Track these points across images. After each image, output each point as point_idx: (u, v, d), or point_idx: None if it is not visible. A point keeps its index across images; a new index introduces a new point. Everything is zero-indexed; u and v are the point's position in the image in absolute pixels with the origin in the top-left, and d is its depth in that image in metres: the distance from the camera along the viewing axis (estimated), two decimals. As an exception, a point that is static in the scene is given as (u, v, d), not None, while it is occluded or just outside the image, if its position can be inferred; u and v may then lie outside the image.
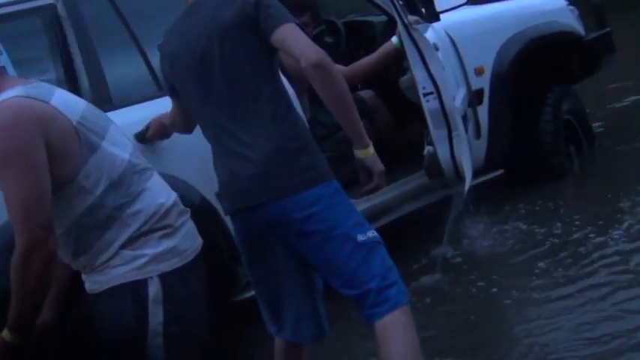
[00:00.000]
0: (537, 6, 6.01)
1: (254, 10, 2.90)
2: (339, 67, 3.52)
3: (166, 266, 2.61)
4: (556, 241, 4.85)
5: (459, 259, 4.80)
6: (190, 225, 2.74)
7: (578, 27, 6.04)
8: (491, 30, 5.57)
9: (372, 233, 2.98)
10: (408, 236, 5.03)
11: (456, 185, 4.59)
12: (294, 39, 2.85)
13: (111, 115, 2.91)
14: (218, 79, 2.94)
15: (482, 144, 5.32)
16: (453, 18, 5.33)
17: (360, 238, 2.94)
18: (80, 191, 2.55)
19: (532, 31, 5.67)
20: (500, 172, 5.51)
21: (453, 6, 5.24)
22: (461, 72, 5.19)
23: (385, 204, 4.79)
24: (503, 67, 5.44)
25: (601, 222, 4.96)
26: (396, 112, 5.44)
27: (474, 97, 5.24)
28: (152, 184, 2.66)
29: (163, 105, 3.62)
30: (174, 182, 3.91)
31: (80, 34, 4.18)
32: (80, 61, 4.17)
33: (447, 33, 5.21)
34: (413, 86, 4.39)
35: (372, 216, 4.37)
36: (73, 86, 4.11)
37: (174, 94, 3.19)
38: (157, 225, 2.62)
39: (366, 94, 5.40)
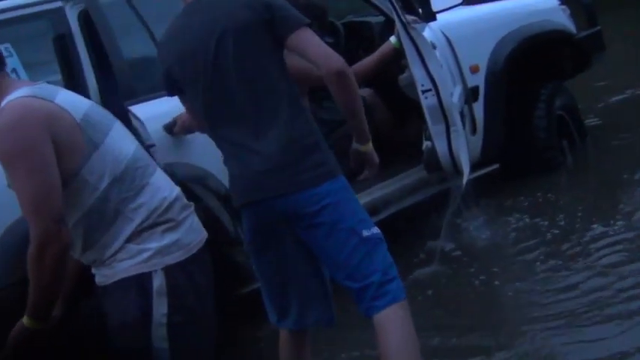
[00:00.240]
0: (530, 5, 6.02)
1: (265, 10, 2.92)
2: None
3: (171, 259, 2.63)
4: (557, 232, 4.85)
5: (458, 252, 4.79)
6: (194, 219, 2.76)
7: (569, 25, 6.06)
8: (486, 29, 5.58)
9: (375, 230, 3.02)
10: (407, 230, 5.03)
11: (454, 179, 4.61)
12: (315, 45, 2.93)
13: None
14: (232, 78, 2.94)
15: (478, 139, 5.33)
16: (449, 18, 5.33)
17: (365, 233, 2.98)
18: (85, 186, 2.57)
19: (525, 30, 5.67)
20: (495, 166, 5.53)
21: (449, 6, 5.25)
22: (457, 70, 5.19)
23: (385, 198, 4.82)
24: (498, 65, 5.44)
25: (600, 212, 4.97)
26: (394, 109, 5.45)
27: (470, 95, 5.24)
28: (155, 179, 2.68)
29: (171, 105, 3.64)
30: (200, 173, 3.96)
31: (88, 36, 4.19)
32: (88, 63, 4.17)
33: (442, 32, 5.21)
34: (412, 84, 4.40)
35: (372, 209, 4.39)
36: (81, 88, 4.12)
37: (179, 93, 3.19)
38: (160, 219, 2.64)
39: (365, 92, 5.41)
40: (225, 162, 3.08)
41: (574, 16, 6.15)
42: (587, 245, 4.60)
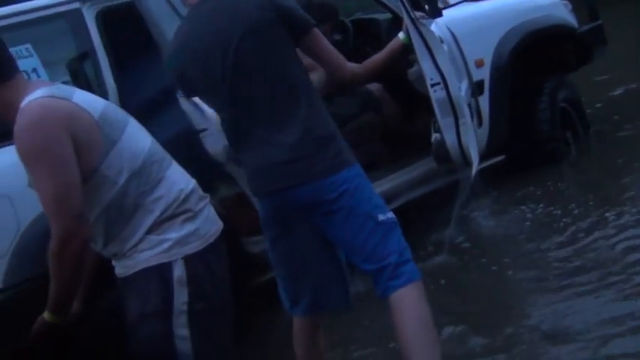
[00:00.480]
0: (533, 1, 6.02)
1: (277, 10, 2.96)
2: (353, 65, 3.56)
3: (189, 249, 2.64)
4: (568, 221, 4.82)
5: (468, 242, 4.79)
6: (210, 209, 2.77)
7: (571, 20, 6.06)
8: (490, 24, 5.58)
9: (390, 214, 3.07)
10: (417, 220, 5.02)
11: (463, 170, 4.60)
12: (330, 47, 3.16)
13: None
14: (251, 76, 2.97)
15: (483, 132, 5.32)
16: (454, 14, 5.35)
17: (381, 217, 3.03)
18: (105, 181, 2.57)
19: (528, 24, 5.67)
20: (501, 158, 5.52)
21: (454, 2, 5.24)
22: (462, 64, 5.19)
23: (395, 189, 4.83)
24: (502, 59, 5.44)
25: (608, 200, 4.95)
26: (403, 103, 5.45)
27: (475, 88, 5.24)
28: (171, 172, 2.69)
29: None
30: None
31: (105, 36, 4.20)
32: (106, 64, 4.17)
33: (448, 28, 5.22)
34: (421, 77, 4.40)
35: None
36: (99, 87, 4.12)
37: (195, 94, 3.22)
38: (179, 210, 2.65)
39: (374, 86, 5.42)
40: (240, 155, 3.10)
41: (576, 10, 6.15)
42: (599, 233, 4.57)
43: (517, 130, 5.55)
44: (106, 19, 4.24)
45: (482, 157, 5.21)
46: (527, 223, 4.94)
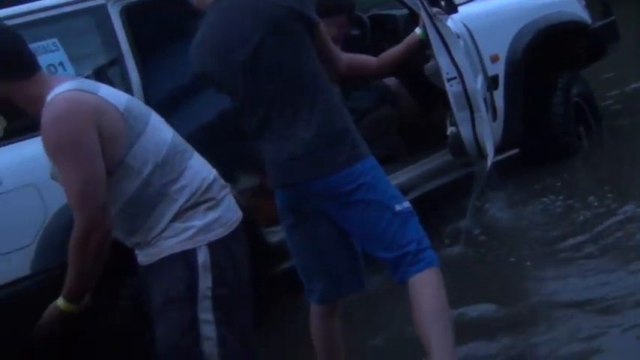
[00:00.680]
0: (547, -3, 5.98)
1: (293, 4, 2.97)
2: (369, 58, 3.57)
3: (212, 236, 2.65)
4: (588, 213, 4.79)
5: (485, 235, 4.77)
6: (231, 198, 2.78)
7: (584, 16, 6.02)
8: (505, 20, 5.55)
9: (406, 204, 3.09)
10: (433, 212, 5.00)
11: (479, 163, 4.59)
12: (330, 45, 3.21)
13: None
14: (269, 72, 2.98)
15: (498, 126, 5.31)
16: (470, 10, 5.33)
17: (398, 207, 3.04)
18: (129, 172, 2.59)
19: (543, 20, 5.64)
20: (515, 151, 5.50)
21: (470, -2, 5.24)
22: (478, 59, 5.17)
23: (411, 181, 4.83)
24: (517, 55, 5.43)
25: (623, 194, 4.91)
26: (419, 97, 5.44)
27: (490, 83, 5.22)
28: (193, 162, 2.71)
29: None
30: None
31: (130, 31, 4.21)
32: (131, 58, 4.19)
33: (464, 24, 5.21)
34: (437, 72, 4.39)
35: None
36: (124, 81, 4.14)
37: (220, 91, 3.22)
38: (202, 198, 2.66)
39: (391, 81, 5.42)
40: (259, 147, 3.11)
41: (589, 7, 6.11)
42: (617, 224, 4.54)
43: (531, 124, 5.53)
44: (130, 14, 4.25)
45: (497, 150, 5.21)
46: (546, 215, 4.91)
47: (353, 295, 3.36)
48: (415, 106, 5.48)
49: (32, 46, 2.83)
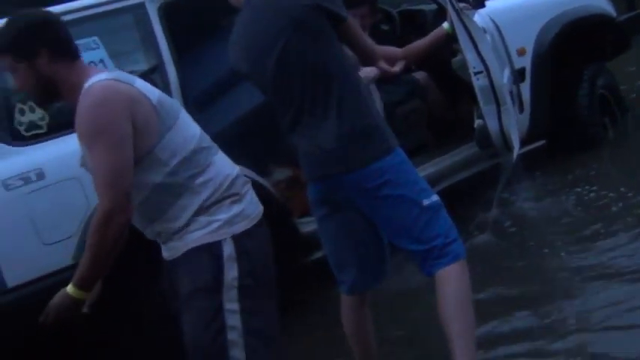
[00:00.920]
0: (572, -10, 5.92)
1: (319, 2, 2.95)
2: (395, 49, 3.56)
3: (237, 228, 2.65)
4: (620, 204, 4.73)
5: (515, 226, 4.74)
6: (253, 193, 2.79)
7: (609, 9, 5.97)
8: (532, 14, 5.52)
9: (435, 197, 3.07)
10: (460, 203, 4.98)
11: (505, 154, 4.57)
12: (362, 38, 3.14)
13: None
14: (298, 69, 2.98)
15: (525, 117, 5.29)
16: (497, 5, 5.30)
17: (425, 202, 3.03)
18: (157, 163, 2.60)
19: (568, 14, 5.60)
20: (542, 142, 5.46)
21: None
22: (505, 53, 5.15)
23: (439, 172, 4.82)
24: (544, 48, 5.39)
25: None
26: (447, 91, 5.43)
27: (517, 76, 5.20)
28: (218, 158, 2.72)
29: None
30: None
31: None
32: (168, 55, 4.21)
33: (491, 18, 5.18)
34: (464, 66, 4.38)
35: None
36: (162, 78, 4.16)
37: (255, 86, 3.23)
38: (226, 193, 2.67)
39: (420, 75, 5.41)
40: (292, 140, 3.12)
41: (614, 0, 6.04)
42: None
43: (557, 116, 5.50)
44: (168, 12, 4.28)
45: (524, 142, 5.18)
46: (578, 205, 4.86)
47: (383, 287, 3.37)
48: (443, 100, 5.47)
49: (74, 43, 2.87)
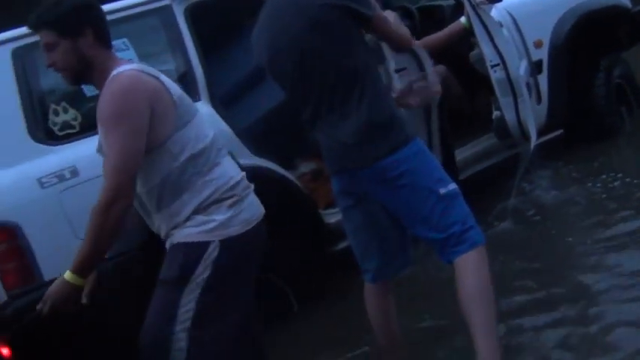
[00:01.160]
0: (588, -17, 5.88)
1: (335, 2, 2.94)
2: (415, 42, 3.56)
3: (231, 232, 2.70)
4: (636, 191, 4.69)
5: (538, 215, 4.71)
6: (254, 197, 2.83)
7: (624, 1, 5.92)
8: (548, 7, 5.50)
9: (452, 186, 3.06)
10: (480, 192, 4.97)
11: (522, 145, 4.56)
12: (391, 30, 3.17)
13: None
14: (317, 66, 2.99)
15: (542, 108, 5.28)
16: (514, -1, 5.27)
17: (442, 191, 3.02)
18: (168, 155, 2.66)
19: (584, 6, 5.57)
20: (559, 132, 5.44)
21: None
22: (522, 45, 5.14)
23: (458, 163, 4.80)
24: (560, 40, 5.38)
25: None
26: (465, 83, 5.42)
27: (534, 67, 5.18)
28: (225, 160, 2.78)
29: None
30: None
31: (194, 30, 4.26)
32: (195, 55, 4.24)
33: (508, 12, 5.17)
34: (481, 59, 4.38)
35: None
36: (189, 77, 4.19)
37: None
38: (226, 195, 2.72)
39: (439, 68, 5.37)
40: (317, 133, 3.13)
41: (630, -8, 6.00)
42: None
43: (574, 106, 5.47)
44: (194, 13, 4.31)
45: (542, 132, 5.15)
46: (603, 194, 4.79)
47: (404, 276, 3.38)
48: (462, 92, 5.46)
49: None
